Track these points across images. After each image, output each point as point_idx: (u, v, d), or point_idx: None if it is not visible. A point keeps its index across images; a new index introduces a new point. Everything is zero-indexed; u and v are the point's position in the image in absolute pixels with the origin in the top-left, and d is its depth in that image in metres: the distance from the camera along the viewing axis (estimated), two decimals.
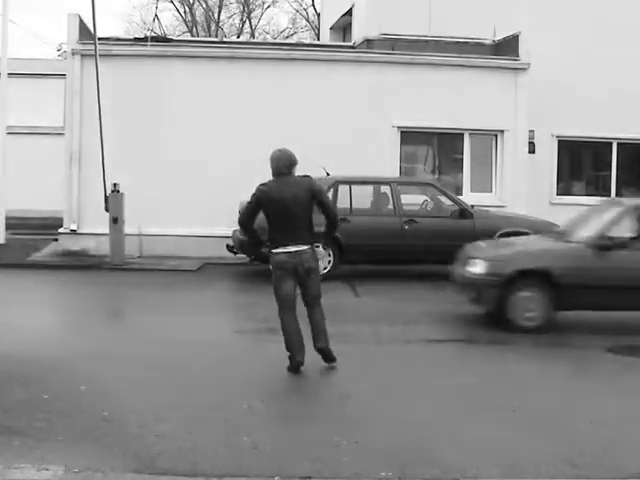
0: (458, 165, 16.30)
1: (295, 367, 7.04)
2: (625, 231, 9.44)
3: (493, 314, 9.57)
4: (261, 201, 7.06)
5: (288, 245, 6.97)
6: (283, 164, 7.04)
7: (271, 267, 7.13)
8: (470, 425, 5.76)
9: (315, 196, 7.05)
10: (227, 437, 5.32)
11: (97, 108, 13.97)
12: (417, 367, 7.53)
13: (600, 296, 9.14)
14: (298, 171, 7.19)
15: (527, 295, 9.10)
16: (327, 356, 7.19)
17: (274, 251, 7.04)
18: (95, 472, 4.68)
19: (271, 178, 7.15)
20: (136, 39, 17.33)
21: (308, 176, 7.21)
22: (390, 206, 13.34)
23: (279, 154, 7.11)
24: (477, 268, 9.35)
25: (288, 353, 7.11)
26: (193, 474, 4.70)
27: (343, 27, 22.85)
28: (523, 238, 11.07)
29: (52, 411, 5.77)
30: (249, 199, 7.16)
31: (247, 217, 7.24)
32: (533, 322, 9.08)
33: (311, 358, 7.65)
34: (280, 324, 7.19)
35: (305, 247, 7.03)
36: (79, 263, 14.24)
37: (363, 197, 13.60)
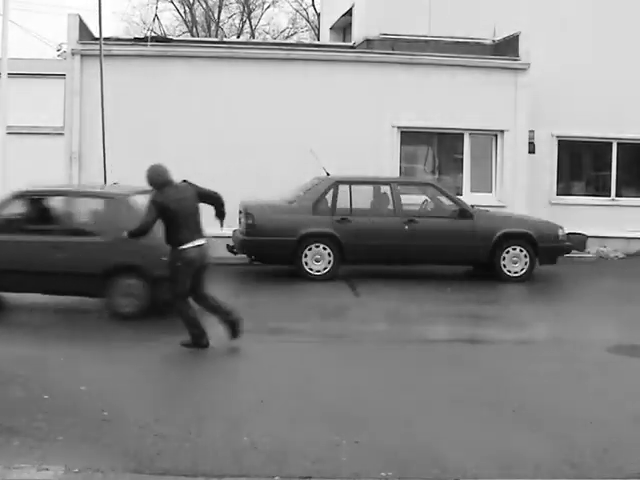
0: (458, 165, 16.29)
1: (205, 344, 7.88)
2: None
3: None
4: (165, 207, 7.74)
5: (195, 240, 7.85)
6: (169, 175, 8.00)
7: (177, 263, 7.82)
8: (470, 425, 5.76)
9: (200, 193, 8.05)
10: (227, 437, 5.33)
11: (100, 108, 13.95)
12: (417, 367, 7.53)
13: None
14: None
15: None
16: (238, 325, 8.07)
17: (184, 247, 7.78)
18: (95, 472, 4.68)
19: (153, 189, 7.97)
20: (136, 39, 17.31)
21: (186, 181, 8.11)
22: (390, 206, 13.33)
23: (164, 167, 8.07)
24: None
25: (194, 334, 7.86)
26: (193, 474, 4.71)
27: (343, 27, 22.84)
28: None
29: (52, 411, 5.77)
30: (149, 208, 7.83)
31: (152, 222, 7.86)
32: None
33: (311, 358, 7.67)
34: (182, 312, 7.93)
35: (205, 241, 7.97)
36: None
37: (363, 197, 13.58)
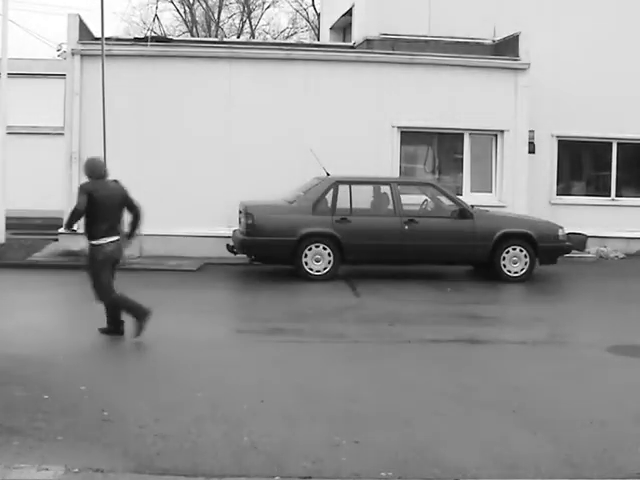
0: (458, 165, 16.29)
1: (148, 311, 8.06)
2: None
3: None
4: (89, 193, 7.97)
5: (111, 235, 8.09)
6: (104, 170, 8.32)
7: (95, 257, 8.05)
8: (470, 425, 5.76)
9: (126, 198, 8.24)
10: (227, 437, 5.32)
11: (100, 108, 13.94)
12: (417, 367, 7.52)
13: None
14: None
15: None
16: (116, 329, 8.33)
17: (101, 242, 8.03)
18: (95, 472, 4.67)
19: (88, 180, 8.22)
20: (136, 39, 17.30)
21: (117, 181, 8.34)
22: (390, 206, 13.34)
23: (99, 161, 8.55)
24: None
25: (137, 315, 8.05)
26: (193, 474, 4.70)
27: (343, 27, 22.84)
28: None
29: (52, 411, 5.76)
30: (78, 192, 8.06)
31: (83, 204, 7.96)
32: None
33: (311, 358, 7.66)
34: (117, 303, 8.17)
35: (119, 237, 8.20)
36: (79, 263, 14.13)
37: (363, 197, 13.60)
